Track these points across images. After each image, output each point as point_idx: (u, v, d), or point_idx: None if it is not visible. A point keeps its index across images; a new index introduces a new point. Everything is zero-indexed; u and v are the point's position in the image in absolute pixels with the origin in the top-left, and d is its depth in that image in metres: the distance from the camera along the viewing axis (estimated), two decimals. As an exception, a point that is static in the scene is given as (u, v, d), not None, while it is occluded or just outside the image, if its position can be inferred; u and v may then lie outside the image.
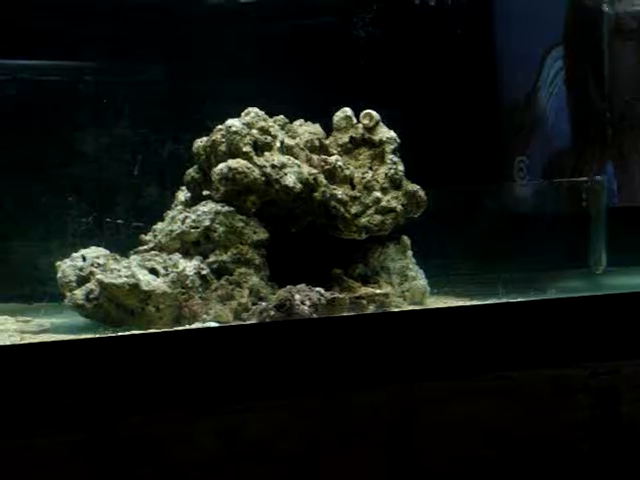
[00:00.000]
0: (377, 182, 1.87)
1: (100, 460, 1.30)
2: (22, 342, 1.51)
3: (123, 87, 2.12)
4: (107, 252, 1.78)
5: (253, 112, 1.82)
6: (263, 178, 1.76)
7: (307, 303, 1.59)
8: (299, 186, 1.77)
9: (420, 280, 1.89)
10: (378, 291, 1.79)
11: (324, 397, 1.43)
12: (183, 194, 1.87)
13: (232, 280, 1.71)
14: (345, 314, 1.65)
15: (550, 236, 2.38)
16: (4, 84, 2.03)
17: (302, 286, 1.64)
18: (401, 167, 1.89)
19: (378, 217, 1.85)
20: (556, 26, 2.53)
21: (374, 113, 1.92)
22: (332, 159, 1.85)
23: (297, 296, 1.60)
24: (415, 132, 2.13)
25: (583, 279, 2.34)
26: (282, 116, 1.88)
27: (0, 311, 1.81)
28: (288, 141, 1.83)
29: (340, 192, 1.83)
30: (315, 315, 1.59)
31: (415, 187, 1.89)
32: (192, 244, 1.75)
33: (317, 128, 1.90)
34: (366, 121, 1.91)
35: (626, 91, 2.49)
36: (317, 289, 1.64)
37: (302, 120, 1.90)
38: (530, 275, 2.18)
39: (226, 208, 1.75)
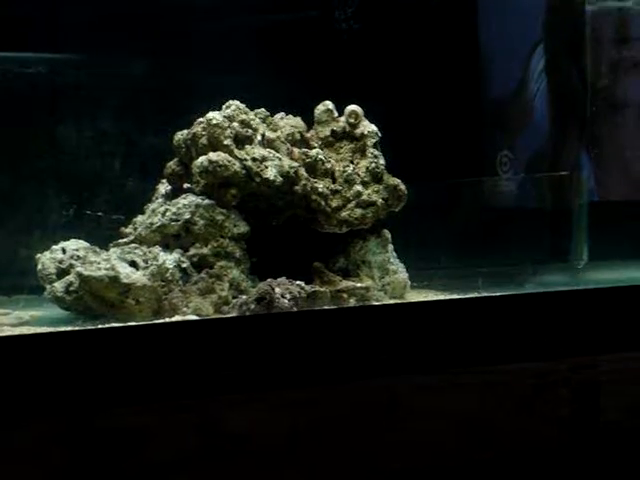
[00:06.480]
0: (358, 176, 1.87)
1: (79, 453, 1.29)
2: (1, 335, 1.51)
3: (103, 79, 2.11)
4: (87, 245, 1.77)
5: (234, 105, 1.81)
6: (244, 171, 1.76)
7: (287, 296, 1.59)
8: (280, 179, 1.77)
9: (401, 274, 1.89)
10: (359, 285, 1.79)
11: (304, 390, 1.43)
12: (163, 187, 1.86)
13: (212, 273, 1.71)
14: (325, 307, 1.65)
15: (532, 230, 2.39)
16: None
17: (282, 279, 1.63)
18: (382, 161, 1.88)
19: (359, 211, 1.85)
20: (541, 21, 2.53)
21: (359, 110, 1.91)
22: (313, 152, 1.84)
23: (277, 289, 1.60)
24: (397, 126, 2.13)
25: (564, 273, 2.34)
26: (263, 109, 1.87)
27: (-21, 304, 1.80)
28: (269, 134, 1.82)
29: (321, 185, 1.82)
30: (295, 308, 1.59)
31: (396, 181, 1.88)
32: (172, 237, 1.74)
33: (298, 121, 1.89)
34: (352, 120, 1.90)
35: (608, 85, 2.49)
36: (297, 282, 1.64)
37: (283, 113, 1.89)
38: (511, 269, 2.18)
39: (206, 201, 1.75)
